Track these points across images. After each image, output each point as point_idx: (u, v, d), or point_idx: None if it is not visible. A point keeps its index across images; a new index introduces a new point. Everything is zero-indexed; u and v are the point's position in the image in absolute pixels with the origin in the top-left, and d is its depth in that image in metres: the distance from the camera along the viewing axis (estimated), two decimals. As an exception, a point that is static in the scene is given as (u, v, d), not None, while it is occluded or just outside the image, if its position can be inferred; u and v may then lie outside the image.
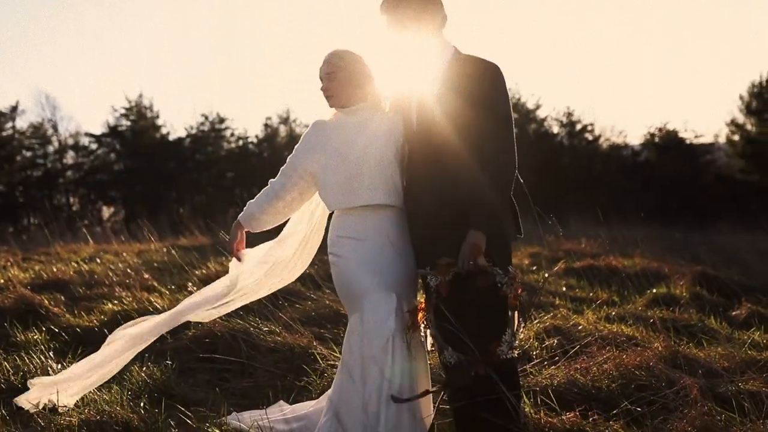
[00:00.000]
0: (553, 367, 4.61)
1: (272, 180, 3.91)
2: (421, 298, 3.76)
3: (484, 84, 3.53)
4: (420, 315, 3.58)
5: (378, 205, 3.71)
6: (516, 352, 3.47)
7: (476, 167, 3.48)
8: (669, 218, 21.19)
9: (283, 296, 6.71)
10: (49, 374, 4.70)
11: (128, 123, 35.92)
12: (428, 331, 3.59)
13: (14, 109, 34.38)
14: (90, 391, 4.34)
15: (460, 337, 3.42)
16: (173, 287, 7.82)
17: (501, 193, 3.54)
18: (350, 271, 3.69)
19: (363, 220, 3.72)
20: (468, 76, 3.55)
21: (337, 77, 3.74)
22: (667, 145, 34.51)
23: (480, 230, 3.45)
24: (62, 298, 7.49)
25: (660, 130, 35.09)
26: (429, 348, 3.69)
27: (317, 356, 5.06)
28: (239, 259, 4.03)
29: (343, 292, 3.77)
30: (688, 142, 34.77)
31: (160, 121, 36.60)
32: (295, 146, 3.89)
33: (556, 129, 36.04)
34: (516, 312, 3.48)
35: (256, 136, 37.30)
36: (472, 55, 3.65)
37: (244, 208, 3.96)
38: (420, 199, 3.67)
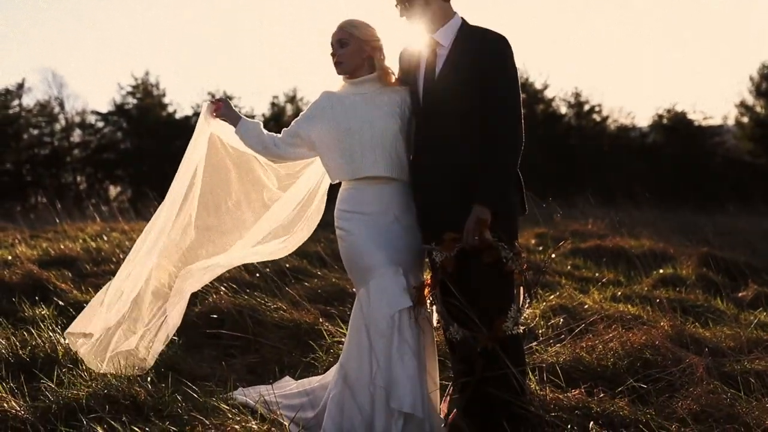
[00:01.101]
0: (558, 345, 4.62)
1: (278, 135, 3.94)
2: (427, 273, 3.76)
3: (492, 57, 3.51)
4: (426, 291, 3.58)
5: (382, 177, 3.71)
6: (521, 328, 3.48)
7: (483, 142, 3.47)
8: (676, 200, 21.11)
9: (291, 273, 6.74)
10: (56, 349, 4.73)
11: (135, 101, 35.88)
12: (434, 307, 3.60)
13: (20, 86, 34.30)
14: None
15: (466, 312, 3.43)
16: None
17: (507, 168, 3.52)
18: (357, 245, 3.71)
19: (369, 194, 3.73)
20: (475, 50, 3.52)
21: (349, 45, 3.74)
22: (675, 127, 34.30)
23: (485, 205, 3.45)
24: (69, 274, 7.52)
25: (668, 111, 34.87)
26: (435, 324, 3.69)
27: (323, 332, 5.08)
28: (208, 110, 4.07)
29: (350, 266, 3.79)
30: (696, 124, 34.55)
31: (166, 100, 36.54)
32: (302, 112, 3.92)
33: (563, 110, 35.84)
34: (521, 288, 3.47)
35: (263, 115, 37.21)
36: (480, 27, 3.61)
37: (254, 120, 3.99)
38: (425, 174, 3.66)
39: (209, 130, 4.15)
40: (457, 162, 3.55)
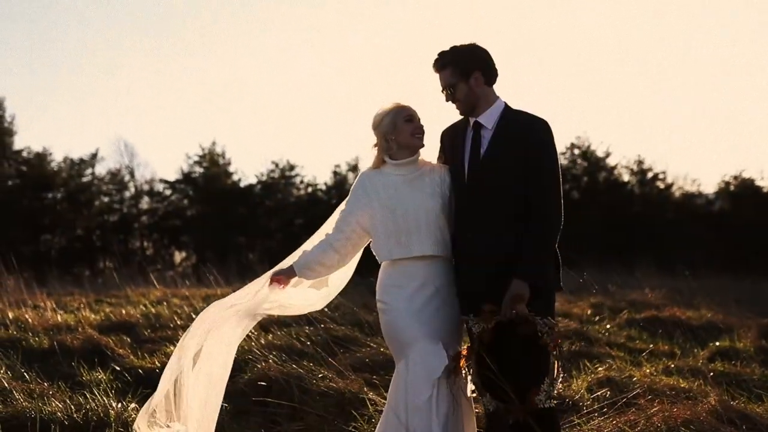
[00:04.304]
0: (600, 418, 4.57)
1: (328, 233, 4.00)
2: (464, 343, 3.81)
3: (533, 139, 3.64)
4: (462, 361, 3.63)
5: (427, 256, 3.80)
6: (554, 401, 3.49)
7: (524, 220, 3.58)
8: (743, 269, 20.61)
9: (341, 342, 6.83)
10: (109, 413, 4.88)
11: (201, 170, 36.88)
12: (470, 378, 3.64)
13: (94, 156, 35.67)
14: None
15: (500, 384, 3.47)
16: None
17: (547, 246, 3.63)
18: (398, 319, 3.78)
19: (411, 269, 3.81)
20: (518, 133, 3.67)
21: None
22: (742, 194, 33.65)
23: (524, 280, 3.53)
24: (128, 339, 7.73)
25: (735, 178, 34.28)
26: (470, 394, 3.73)
27: (367, 402, 5.13)
28: (271, 286, 4.04)
29: (390, 339, 3.86)
30: (765, 190, 33.86)
31: (231, 168, 37.48)
32: (346, 200, 4.00)
33: (626, 177, 35.53)
34: (556, 361, 3.50)
35: (325, 184, 37.81)
36: (522, 111, 3.77)
37: (300, 256, 4.02)
38: (468, 248, 3.76)
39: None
40: (499, 238, 3.66)
